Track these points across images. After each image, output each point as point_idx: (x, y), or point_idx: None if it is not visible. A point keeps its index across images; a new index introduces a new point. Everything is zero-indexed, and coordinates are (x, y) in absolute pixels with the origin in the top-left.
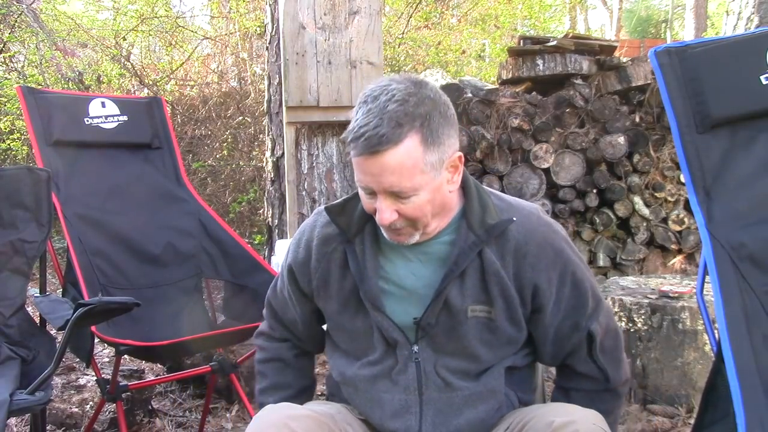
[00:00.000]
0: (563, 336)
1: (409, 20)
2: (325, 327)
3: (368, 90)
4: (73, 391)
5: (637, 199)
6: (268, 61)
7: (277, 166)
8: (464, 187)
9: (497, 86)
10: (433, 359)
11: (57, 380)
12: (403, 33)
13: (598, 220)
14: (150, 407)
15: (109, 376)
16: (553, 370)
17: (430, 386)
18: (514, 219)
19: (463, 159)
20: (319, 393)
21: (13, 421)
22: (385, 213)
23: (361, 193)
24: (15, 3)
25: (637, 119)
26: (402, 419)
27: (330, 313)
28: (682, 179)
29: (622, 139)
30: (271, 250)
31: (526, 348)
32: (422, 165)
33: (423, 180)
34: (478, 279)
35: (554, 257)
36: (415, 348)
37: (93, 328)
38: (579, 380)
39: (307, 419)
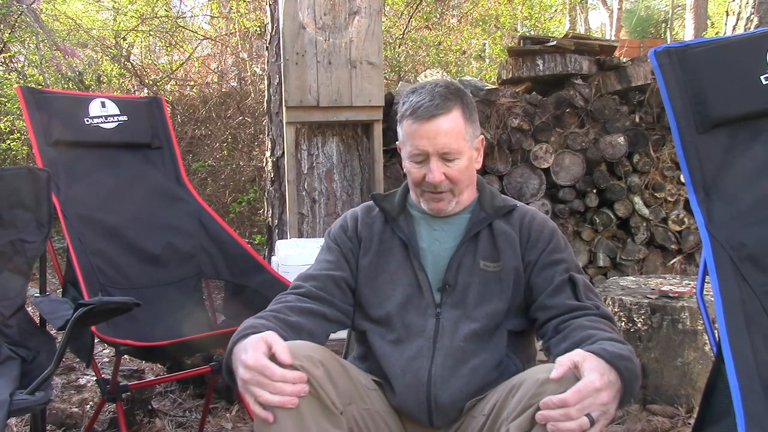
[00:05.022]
0: (548, 281)
1: (409, 20)
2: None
3: (412, 87)
4: (73, 391)
5: (637, 199)
6: (268, 61)
7: (277, 166)
8: (478, 183)
9: (497, 86)
10: (451, 315)
11: (57, 380)
12: (403, 33)
13: (598, 220)
14: (150, 407)
15: (109, 376)
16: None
17: (445, 336)
18: (517, 205)
19: (484, 142)
20: None
21: (13, 421)
22: (437, 173)
23: (410, 165)
24: (15, 3)
25: (637, 119)
26: (416, 361)
27: (368, 263)
28: (682, 179)
29: (622, 139)
30: (271, 250)
31: (524, 313)
32: (464, 133)
33: (465, 146)
34: (488, 242)
35: (545, 223)
36: (438, 303)
37: (93, 328)
38: (570, 316)
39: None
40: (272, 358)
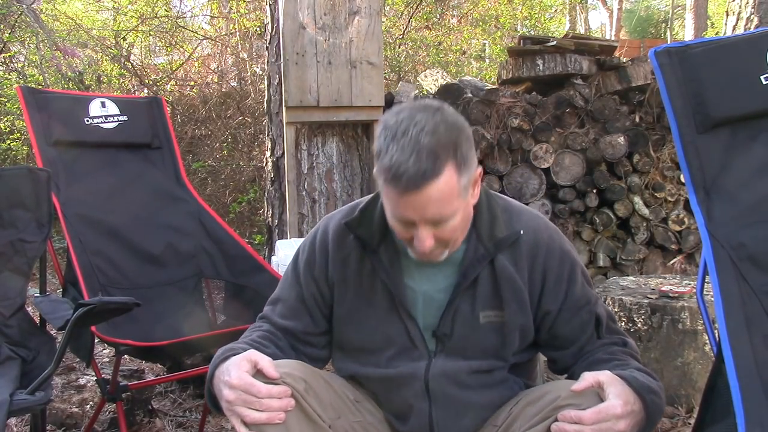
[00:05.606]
0: (576, 331)
1: (409, 20)
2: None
3: (391, 122)
4: (73, 391)
5: (637, 199)
6: (268, 61)
7: (277, 166)
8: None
9: (497, 86)
10: (447, 361)
11: (57, 380)
12: (403, 33)
13: (598, 220)
14: (150, 407)
15: (109, 376)
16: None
17: (441, 379)
18: (522, 232)
19: (482, 173)
20: None
21: (13, 421)
22: (426, 242)
23: (395, 224)
24: (15, 3)
25: (637, 119)
26: (413, 406)
27: (344, 315)
28: (682, 179)
29: (622, 139)
30: (271, 250)
31: (530, 348)
32: (458, 190)
33: (459, 204)
34: (490, 285)
35: (561, 257)
36: (432, 350)
37: (93, 328)
38: (598, 352)
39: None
40: (256, 376)
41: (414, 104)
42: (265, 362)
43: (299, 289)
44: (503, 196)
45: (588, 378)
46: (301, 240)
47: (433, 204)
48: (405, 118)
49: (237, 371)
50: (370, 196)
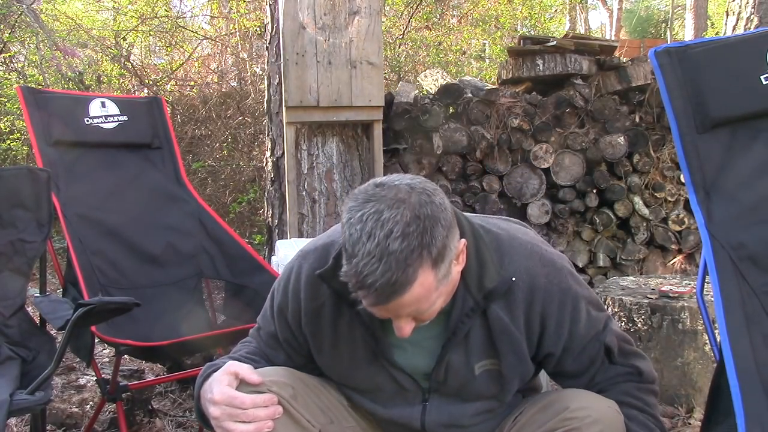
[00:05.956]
0: (585, 364)
1: (409, 20)
2: None
3: (355, 219)
4: (73, 391)
5: (637, 199)
6: (268, 61)
7: (277, 166)
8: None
9: (497, 86)
10: (443, 406)
11: (57, 380)
12: (403, 33)
13: (598, 220)
14: (150, 407)
15: (109, 376)
16: None
17: (439, 428)
18: (513, 279)
19: (465, 243)
20: None
21: (13, 421)
22: (405, 330)
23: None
24: (15, 3)
25: (637, 119)
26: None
27: (326, 362)
28: (682, 179)
29: (622, 139)
30: (271, 250)
31: (532, 378)
32: (436, 284)
33: (438, 294)
34: (483, 336)
35: (562, 297)
36: (426, 389)
37: (93, 328)
38: (610, 382)
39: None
40: (240, 387)
41: (377, 191)
42: (245, 370)
43: (274, 329)
44: (491, 228)
45: None
46: (301, 240)
47: (408, 306)
48: (371, 214)
49: (218, 386)
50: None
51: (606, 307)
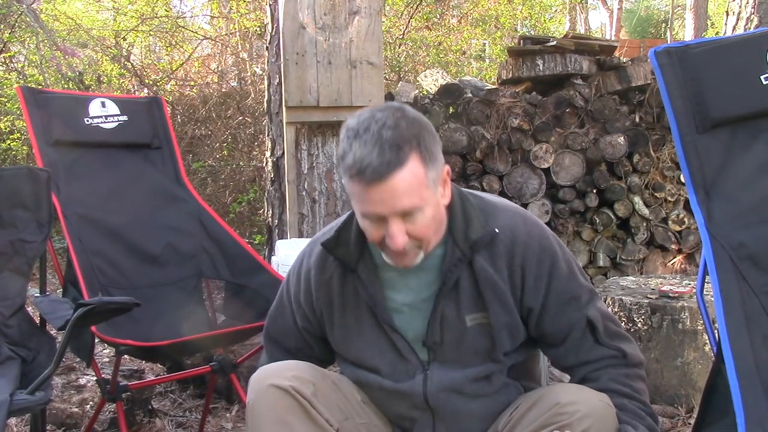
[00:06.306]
0: (564, 329)
1: (409, 20)
2: None
3: (353, 124)
4: (73, 391)
5: (637, 199)
6: (268, 61)
7: (277, 166)
8: (448, 207)
9: (497, 86)
10: (442, 372)
11: (57, 380)
12: (403, 33)
13: (598, 220)
14: (150, 407)
15: (109, 376)
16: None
17: (440, 394)
18: (497, 231)
19: (450, 172)
20: None
21: (13, 421)
22: (398, 237)
23: (366, 224)
24: (15, 3)
25: (637, 119)
26: (415, 419)
27: (337, 336)
28: (682, 179)
29: (622, 139)
30: (271, 250)
31: (527, 346)
32: (425, 181)
33: (428, 195)
34: (471, 288)
35: (540, 253)
36: (426, 360)
37: (93, 328)
38: (594, 365)
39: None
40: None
41: (374, 107)
42: None
43: (292, 321)
44: (479, 194)
45: None
46: (302, 240)
47: (401, 194)
48: (366, 118)
49: None
50: (346, 214)
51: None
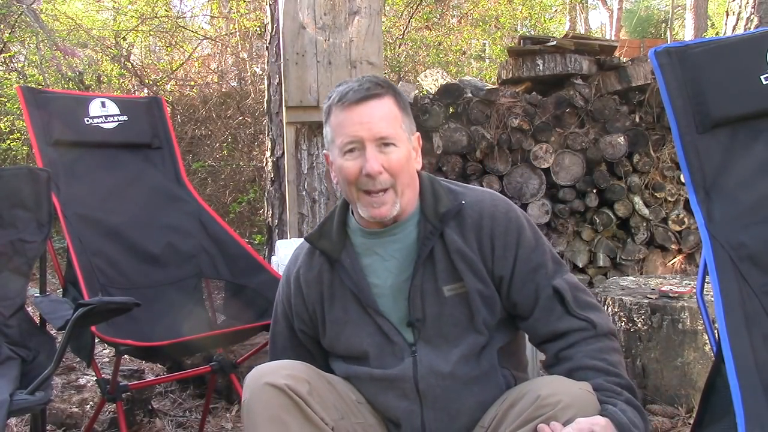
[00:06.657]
0: (531, 295)
1: (409, 20)
2: None
3: (340, 84)
4: (73, 391)
5: (637, 199)
6: (268, 61)
7: (277, 166)
8: (419, 185)
9: (497, 86)
10: (430, 353)
11: (57, 380)
12: (403, 33)
13: (598, 220)
14: (150, 407)
15: (109, 376)
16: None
17: (430, 378)
18: (464, 202)
19: (421, 141)
20: None
21: (13, 421)
22: (373, 162)
23: (343, 160)
24: (15, 3)
25: (637, 119)
26: (406, 408)
27: (328, 331)
28: (682, 179)
29: (622, 139)
30: (271, 250)
31: (510, 324)
32: (401, 121)
33: (402, 135)
34: (445, 260)
35: (507, 223)
36: (412, 342)
37: (93, 328)
38: (566, 339)
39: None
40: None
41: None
42: None
43: (290, 324)
44: (451, 181)
45: (584, 428)
46: (302, 240)
47: (378, 119)
48: (348, 81)
49: None
50: (329, 212)
51: (606, 307)
